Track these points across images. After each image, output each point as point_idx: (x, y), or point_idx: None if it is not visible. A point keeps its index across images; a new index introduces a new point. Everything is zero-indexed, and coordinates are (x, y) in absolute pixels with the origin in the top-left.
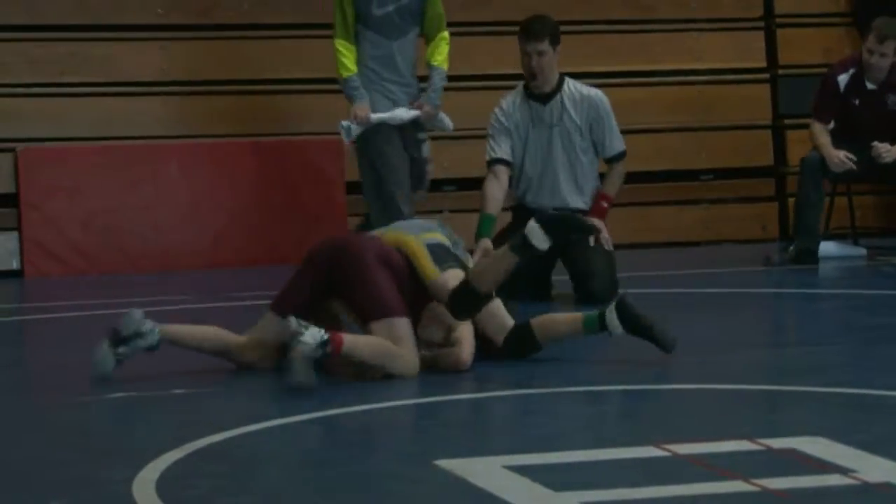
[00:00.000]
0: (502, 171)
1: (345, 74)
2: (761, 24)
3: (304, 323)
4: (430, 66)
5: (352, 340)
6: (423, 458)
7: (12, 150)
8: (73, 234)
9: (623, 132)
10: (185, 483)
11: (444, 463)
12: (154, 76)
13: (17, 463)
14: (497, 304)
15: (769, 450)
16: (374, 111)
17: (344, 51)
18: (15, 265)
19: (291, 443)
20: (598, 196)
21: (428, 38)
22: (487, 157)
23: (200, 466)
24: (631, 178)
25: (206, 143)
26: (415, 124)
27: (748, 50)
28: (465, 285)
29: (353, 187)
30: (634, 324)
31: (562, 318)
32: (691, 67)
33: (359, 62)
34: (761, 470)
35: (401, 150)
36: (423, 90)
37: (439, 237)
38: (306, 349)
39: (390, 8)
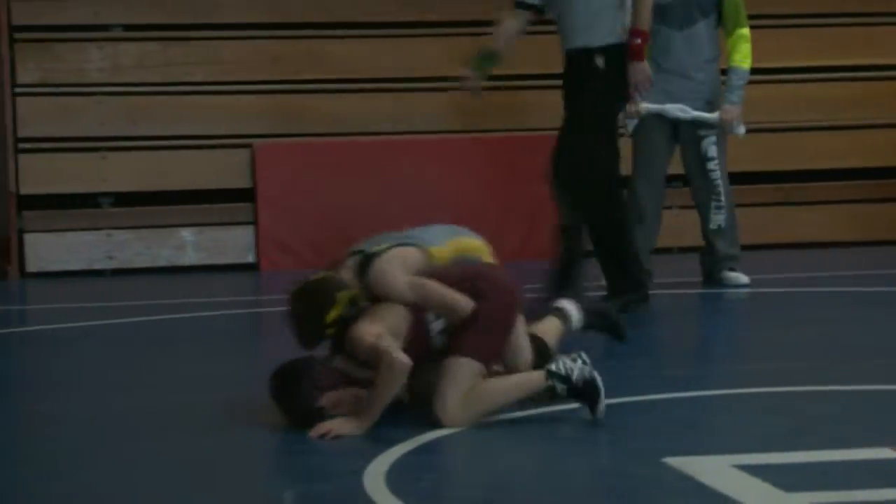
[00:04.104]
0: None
1: None
2: None
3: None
4: (728, 66)
5: None
6: (652, 455)
7: (249, 146)
8: (307, 229)
9: (860, 127)
10: (414, 475)
11: (673, 461)
12: (387, 73)
13: (250, 454)
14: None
15: None
16: (649, 102)
17: None
18: (251, 258)
19: (517, 439)
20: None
21: (725, 33)
22: None
23: (429, 460)
24: (871, 173)
25: (436, 139)
26: (697, 122)
27: None
28: None
29: None
30: (591, 314)
31: (548, 328)
32: None
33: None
34: None
35: (661, 144)
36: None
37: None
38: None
39: None
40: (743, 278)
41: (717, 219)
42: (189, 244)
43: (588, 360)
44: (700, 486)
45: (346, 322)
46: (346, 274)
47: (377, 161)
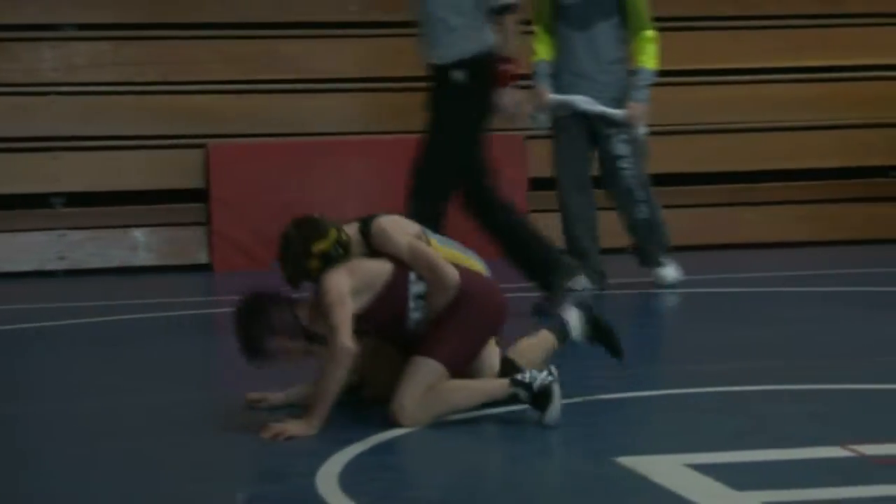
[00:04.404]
0: None
1: (532, 59)
2: None
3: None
4: (635, 66)
5: None
6: (605, 455)
7: (203, 146)
8: (260, 229)
9: (812, 128)
10: (368, 476)
11: (626, 460)
12: (344, 73)
13: (204, 456)
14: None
15: None
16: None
17: (537, 36)
18: (204, 259)
19: (473, 439)
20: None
21: (631, 35)
22: None
23: (383, 460)
24: (822, 174)
25: (391, 139)
26: (605, 120)
27: None
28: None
29: (538, 184)
30: (595, 329)
31: (535, 343)
32: (882, 62)
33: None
34: None
35: (578, 145)
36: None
37: None
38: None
39: None
40: (671, 277)
41: (639, 212)
42: (142, 245)
43: (554, 371)
44: (652, 486)
45: (329, 262)
46: (349, 230)
47: (331, 161)
